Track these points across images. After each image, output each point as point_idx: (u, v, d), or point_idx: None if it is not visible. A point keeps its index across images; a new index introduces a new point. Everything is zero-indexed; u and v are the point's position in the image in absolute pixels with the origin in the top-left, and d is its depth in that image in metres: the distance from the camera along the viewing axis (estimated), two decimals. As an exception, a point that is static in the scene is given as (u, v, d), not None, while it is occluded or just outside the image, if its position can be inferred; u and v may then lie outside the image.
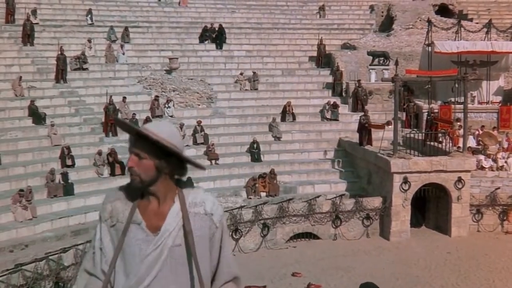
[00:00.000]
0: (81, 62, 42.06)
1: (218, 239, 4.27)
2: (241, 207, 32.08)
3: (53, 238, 27.90)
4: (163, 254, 4.06)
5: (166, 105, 39.93)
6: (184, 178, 4.24)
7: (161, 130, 4.00)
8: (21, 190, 28.88)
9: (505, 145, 37.82)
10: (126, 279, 4.09)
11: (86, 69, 42.00)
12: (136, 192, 4.16)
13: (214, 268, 4.27)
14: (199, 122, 38.35)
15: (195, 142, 37.63)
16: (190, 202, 4.17)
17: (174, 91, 41.53)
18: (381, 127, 36.29)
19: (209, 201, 4.23)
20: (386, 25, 54.47)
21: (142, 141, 4.00)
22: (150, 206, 4.13)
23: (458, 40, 44.13)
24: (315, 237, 33.64)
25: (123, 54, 43.35)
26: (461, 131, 37.24)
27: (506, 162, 36.42)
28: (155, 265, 4.05)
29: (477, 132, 38.95)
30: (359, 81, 42.96)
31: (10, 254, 25.91)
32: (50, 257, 24.38)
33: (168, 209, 4.12)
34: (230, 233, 30.40)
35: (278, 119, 40.89)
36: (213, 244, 4.24)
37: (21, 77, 38.40)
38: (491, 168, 36.33)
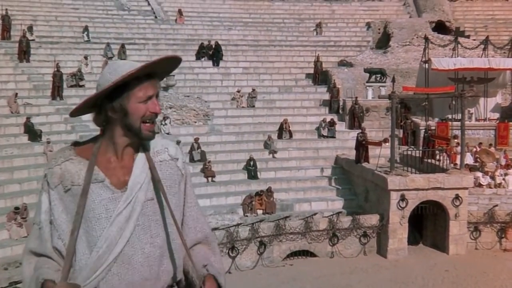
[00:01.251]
0: (78, 79, 41.97)
1: (183, 189, 3.91)
2: (238, 224, 31.93)
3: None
4: (135, 211, 3.66)
5: (163, 122, 39.78)
6: None
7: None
8: (17, 208, 28.69)
9: (503, 162, 37.69)
10: (91, 252, 3.59)
11: (83, 86, 41.87)
12: (87, 148, 3.75)
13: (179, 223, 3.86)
14: (196, 139, 38.23)
15: (192, 160, 37.45)
16: (152, 150, 3.83)
17: (170, 108, 41.41)
18: (378, 144, 36.20)
19: (171, 145, 3.94)
20: (383, 42, 54.53)
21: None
22: (110, 160, 3.72)
23: (455, 57, 44.12)
24: (312, 254, 33.46)
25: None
26: (459, 148, 37.16)
27: (504, 179, 36.27)
28: (127, 226, 3.62)
29: (474, 149, 38.87)
30: (356, 98, 42.89)
31: (4, 272, 25.70)
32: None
33: (132, 161, 3.74)
34: (227, 251, 30.29)
35: (275, 136, 40.76)
36: (179, 195, 3.89)
37: (17, 93, 38.28)
38: (489, 185, 36.18)
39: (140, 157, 3.75)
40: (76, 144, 3.84)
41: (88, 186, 3.60)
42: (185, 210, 3.91)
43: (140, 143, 3.77)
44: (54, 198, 3.67)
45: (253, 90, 44.41)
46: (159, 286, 3.74)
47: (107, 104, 3.60)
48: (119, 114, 3.61)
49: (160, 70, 3.74)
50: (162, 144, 3.88)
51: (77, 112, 3.74)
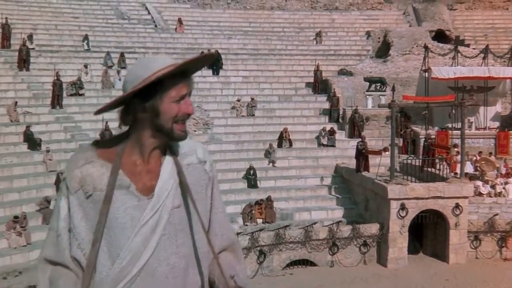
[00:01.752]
0: (77, 87, 41.94)
1: (210, 194, 3.66)
2: (238, 233, 31.75)
3: (47, 265, 27.62)
4: (162, 220, 3.39)
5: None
6: None
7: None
8: (16, 217, 28.62)
9: (503, 171, 37.65)
10: (112, 263, 3.33)
11: (82, 94, 41.86)
12: (110, 149, 3.47)
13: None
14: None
15: (191, 168, 37.34)
16: (179, 152, 3.57)
17: (170, 116, 41.34)
18: (378, 153, 36.19)
19: (199, 147, 3.69)
20: (383, 51, 54.52)
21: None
22: (135, 164, 3.45)
23: (455, 66, 44.18)
24: (312, 264, 33.41)
25: (120, 79, 43.17)
26: (459, 157, 37.16)
27: (504, 188, 36.23)
28: (152, 236, 3.36)
29: (474, 158, 38.83)
30: (356, 107, 42.87)
31: (3, 281, 25.63)
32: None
33: (159, 165, 3.48)
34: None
35: (275, 145, 40.72)
36: (206, 200, 3.64)
37: (16, 102, 38.26)
38: (489, 194, 36.13)
39: (168, 160, 3.50)
40: (97, 143, 3.54)
41: (112, 192, 3.35)
42: (212, 216, 3.67)
43: (168, 146, 3.53)
44: (74, 204, 3.39)
45: (252, 99, 44.37)
46: None
47: (138, 104, 3.36)
48: (149, 114, 3.37)
49: (194, 67, 3.49)
50: (190, 146, 3.62)
51: (103, 110, 3.50)
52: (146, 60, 3.41)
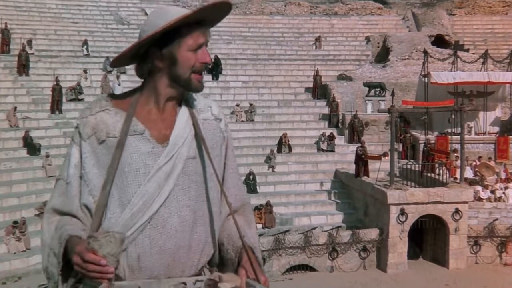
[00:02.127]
0: (77, 92, 41.96)
1: (224, 152, 3.62)
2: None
3: (47, 271, 27.58)
4: (176, 168, 3.33)
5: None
6: None
7: None
8: (15, 222, 28.61)
9: (503, 176, 37.64)
10: (122, 211, 3.26)
11: (82, 99, 41.80)
12: (125, 100, 3.45)
13: None
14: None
15: (191, 174, 37.33)
16: (194, 107, 3.53)
17: (170, 122, 41.35)
18: (377, 158, 36.15)
19: (214, 105, 3.65)
20: (382, 56, 54.56)
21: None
22: (150, 112, 3.41)
23: (454, 71, 44.16)
24: (312, 269, 33.36)
25: (119, 85, 43.18)
26: (458, 162, 37.13)
27: (504, 193, 36.19)
28: (166, 183, 3.29)
29: (474, 163, 38.80)
30: (356, 112, 42.87)
31: (3, 286, 25.64)
32: (43, 290, 24.13)
33: (174, 114, 3.44)
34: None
35: (275, 150, 40.69)
36: (220, 158, 3.59)
37: (16, 107, 38.25)
38: (489, 199, 36.08)
39: (184, 111, 3.46)
40: (112, 95, 3.52)
41: (125, 137, 3.30)
42: (226, 175, 3.61)
43: (183, 98, 3.50)
44: (86, 150, 3.33)
45: (251, 104, 44.36)
46: (191, 256, 3.39)
47: (155, 52, 3.33)
48: (167, 62, 3.33)
49: (211, 17, 3.43)
50: (205, 103, 3.59)
51: (118, 61, 3.51)
52: (161, 10, 3.40)
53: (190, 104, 3.51)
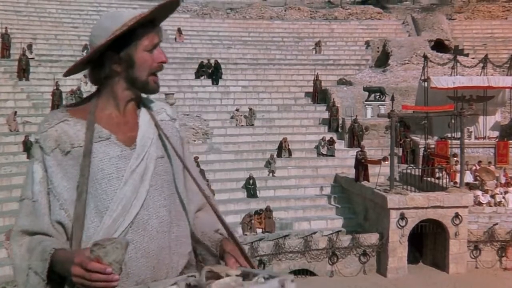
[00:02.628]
0: (77, 97, 41.89)
1: (181, 152, 3.53)
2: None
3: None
4: (149, 169, 3.29)
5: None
6: None
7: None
8: (15, 226, 28.55)
9: (503, 180, 37.64)
10: (101, 220, 3.15)
11: (82, 104, 41.79)
12: (82, 109, 3.33)
13: None
14: (195, 158, 38.10)
15: (190, 178, 37.32)
16: (151, 108, 3.50)
17: (170, 126, 41.34)
18: (377, 162, 36.14)
19: (168, 106, 3.62)
20: (382, 61, 54.58)
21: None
22: (111, 116, 3.33)
23: (454, 75, 44.17)
24: (312, 273, 33.34)
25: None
26: (458, 167, 37.12)
27: (504, 197, 36.20)
28: (141, 185, 3.24)
29: (474, 168, 38.80)
30: (356, 117, 42.88)
31: (2, 292, 25.64)
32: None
33: (136, 117, 3.40)
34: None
35: (274, 155, 40.68)
36: (183, 157, 3.53)
37: (16, 112, 38.27)
38: (488, 204, 36.09)
39: (144, 112, 3.43)
40: (67, 106, 3.43)
41: (91, 145, 3.20)
42: (186, 173, 3.55)
43: (141, 100, 3.46)
44: (51, 164, 3.21)
45: (251, 109, 44.35)
46: (173, 257, 3.35)
47: (112, 56, 3.25)
48: (124, 65, 3.27)
49: (161, 15, 3.38)
50: (159, 105, 3.56)
51: (73, 70, 3.40)
52: (111, 14, 3.33)
53: (147, 106, 3.49)
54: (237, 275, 3.02)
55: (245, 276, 3.05)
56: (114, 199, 3.17)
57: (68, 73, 3.47)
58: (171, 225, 3.36)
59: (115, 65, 3.27)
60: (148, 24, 3.30)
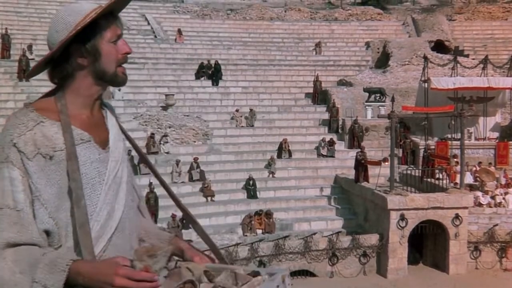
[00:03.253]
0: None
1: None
2: (237, 244, 31.79)
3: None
4: (124, 172, 3.23)
5: (163, 140, 39.60)
6: None
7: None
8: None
9: (503, 181, 37.63)
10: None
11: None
12: (48, 108, 3.12)
13: None
14: (195, 159, 38.11)
15: (191, 179, 37.38)
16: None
17: (170, 127, 41.37)
18: (377, 163, 36.15)
19: (109, 105, 3.44)
20: (382, 62, 54.58)
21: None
22: (83, 117, 3.19)
23: (454, 76, 44.16)
24: (312, 274, 33.33)
25: (119, 90, 43.19)
26: (458, 168, 37.11)
27: (504, 198, 36.18)
28: (120, 188, 3.17)
29: (474, 169, 38.77)
30: (356, 117, 42.87)
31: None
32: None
33: (102, 116, 3.30)
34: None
35: (274, 156, 40.66)
36: None
37: (16, 113, 38.22)
38: (489, 205, 36.07)
39: (108, 112, 3.33)
40: (31, 104, 3.17)
41: (74, 148, 3.03)
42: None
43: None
44: (35, 170, 2.97)
45: (251, 110, 44.37)
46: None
47: (78, 48, 3.11)
48: (91, 58, 3.13)
49: (120, 6, 3.27)
50: (110, 104, 3.43)
51: (34, 72, 3.26)
52: (70, 7, 3.18)
53: (105, 105, 3.38)
54: (205, 271, 3.01)
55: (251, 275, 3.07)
56: (99, 204, 3.08)
57: (30, 75, 3.40)
58: (133, 225, 3.32)
59: (81, 59, 3.14)
60: (109, 15, 3.19)
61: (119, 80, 3.24)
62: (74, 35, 3.06)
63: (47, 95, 3.22)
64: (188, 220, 3.46)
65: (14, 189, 2.94)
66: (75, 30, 3.06)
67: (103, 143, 3.20)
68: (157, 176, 3.63)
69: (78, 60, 3.13)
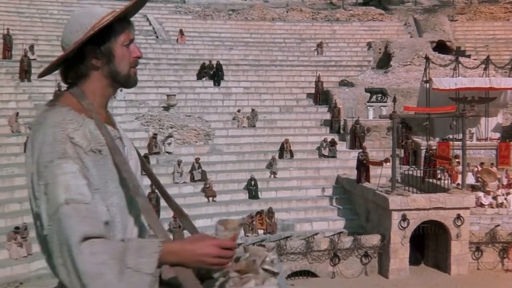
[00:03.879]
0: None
1: None
2: (238, 245, 31.63)
3: (48, 276, 27.46)
4: (138, 168, 3.43)
5: (167, 141, 39.62)
6: None
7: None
8: (17, 227, 28.57)
9: (504, 181, 37.59)
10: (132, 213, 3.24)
11: (84, 105, 41.77)
12: (77, 107, 3.19)
13: None
14: (197, 159, 38.13)
15: (192, 179, 37.39)
16: None
17: (171, 127, 41.39)
18: (379, 164, 36.11)
19: None
20: (384, 62, 54.58)
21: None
22: (104, 117, 3.31)
23: (456, 77, 44.09)
24: (313, 275, 33.33)
25: (121, 90, 43.06)
26: (460, 168, 37.10)
27: (505, 199, 36.13)
28: (141, 183, 3.27)
29: (476, 169, 38.72)
30: (358, 118, 42.87)
31: (4, 292, 25.63)
32: (45, 296, 24.10)
33: (109, 116, 3.42)
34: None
35: (276, 156, 40.65)
36: None
37: (18, 113, 38.22)
38: (490, 205, 36.03)
39: (111, 113, 3.47)
40: (63, 102, 3.23)
41: (114, 142, 3.19)
42: None
43: None
44: (92, 165, 3.05)
45: (253, 110, 44.40)
46: None
47: (93, 49, 3.22)
48: (105, 60, 3.25)
49: (133, 11, 3.46)
50: None
51: (47, 71, 3.40)
52: (86, 10, 3.32)
53: None
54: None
55: None
56: (137, 198, 3.18)
57: (43, 75, 3.49)
58: None
59: (95, 60, 3.25)
60: (123, 20, 3.34)
61: (131, 81, 3.38)
62: (90, 36, 3.17)
63: (58, 95, 3.33)
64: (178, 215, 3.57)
65: (77, 183, 2.96)
66: (92, 31, 3.16)
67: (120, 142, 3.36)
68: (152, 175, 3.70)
69: (92, 61, 3.25)
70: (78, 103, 3.22)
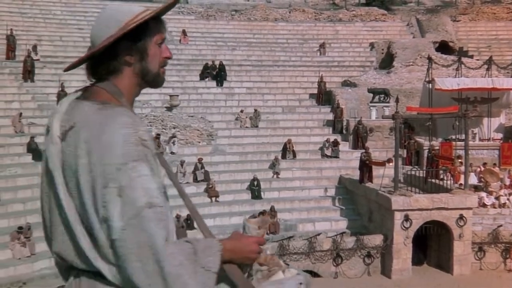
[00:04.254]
0: (82, 99, 41.95)
1: None
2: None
3: (52, 276, 27.51)
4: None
5: (171, 141, 39.67)
6: None
7: None
8: (20, 227, 28.64)
9: (507, 182, 37.62)
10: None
11: (87, 105, 41.78)
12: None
13: None
14: (200, 160, 38.18)
15: (195, 180, 37.45)
16: None
17: (174, 128, 41.43)
18: (382, 164, 36.12)
19: None
20: (387, 62, 54.57)
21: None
22: None
23: (458, 77, 44.09)
24: (316, 275, 33.31)
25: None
26: (463, 168, 37.09)
27: (508, 199, 36.18)
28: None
29: (478, 169, 38.75)
30: (360, 118, 42.88)
31: (7, 292, 25.67)
32: (48, 295, 24.15)
33: None
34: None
35: (279, 157, 40.69)
36: None
37: (21, 113, 38.31)
38: (493, 205, 36.07)
39: None
40: (109, 100, 3.18)
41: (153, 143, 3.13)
42: None
43: None
44: (156, 167, 3.02)
45: (255, 110, 44.44)
46: None
47: (128, 45, 3.19)
48: (137, 57, 3.22)
49: (164, 13, 3.39)
50: None
51: (76, 65, 3.43)
52: (119, 7, 3.31)
53: None
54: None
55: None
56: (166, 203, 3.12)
57: (70, 68, 3.55)
58: None
59: (129, 57, 3.22)
60: (157, 18, 3.31)
61: (160, 80, 3.37)
62: (125, 32, 3.15)
63: (91, 92, 3.30)
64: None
65: (153, 186, 2.94)
66: (129, 27, 3.15)
67: None
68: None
69: (126, 58, 3.22)
70: (115, 100, 3.18)
